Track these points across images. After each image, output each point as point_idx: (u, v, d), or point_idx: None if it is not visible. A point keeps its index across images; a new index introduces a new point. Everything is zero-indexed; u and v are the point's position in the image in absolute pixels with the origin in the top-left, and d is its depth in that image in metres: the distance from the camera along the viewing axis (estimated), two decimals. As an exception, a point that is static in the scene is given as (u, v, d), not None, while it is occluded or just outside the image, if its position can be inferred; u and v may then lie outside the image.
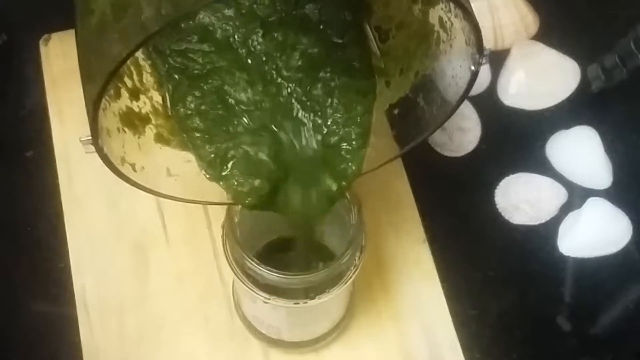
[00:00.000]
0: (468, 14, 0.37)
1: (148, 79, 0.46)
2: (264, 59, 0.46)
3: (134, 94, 0.44)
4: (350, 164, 0.45)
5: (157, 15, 0.32)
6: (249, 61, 0.46)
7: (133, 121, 0.44)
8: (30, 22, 0.66)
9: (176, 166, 0.46)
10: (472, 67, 0.41)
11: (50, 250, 0.57)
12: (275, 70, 0.46)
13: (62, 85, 0.62)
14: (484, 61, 0.40)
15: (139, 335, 0.54)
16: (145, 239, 0.57)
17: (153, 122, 0.45)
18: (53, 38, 0.64)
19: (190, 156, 0.46)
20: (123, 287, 0.55)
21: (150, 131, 0.45)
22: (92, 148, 0.38)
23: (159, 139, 0.46)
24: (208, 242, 0.57)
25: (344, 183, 0.44)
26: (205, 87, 0.45)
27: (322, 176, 0.45)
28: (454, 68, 0.43)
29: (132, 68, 0.44)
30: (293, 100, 0.46)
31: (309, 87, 0.46)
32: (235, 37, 0.46)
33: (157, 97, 0.46)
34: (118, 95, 0.43)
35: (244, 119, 0.45)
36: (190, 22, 0.45)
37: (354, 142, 0.45)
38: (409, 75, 0.47)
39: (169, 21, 0.32)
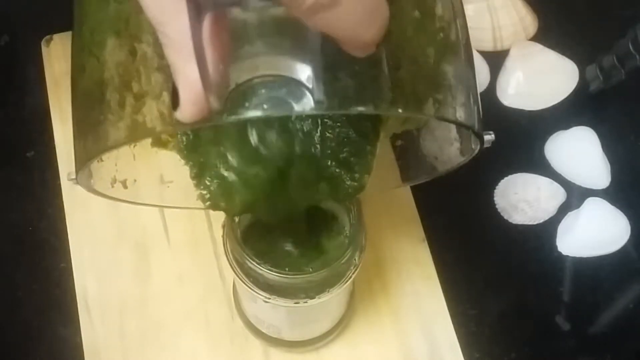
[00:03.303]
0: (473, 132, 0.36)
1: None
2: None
3: (137, 97, 0.43)
4: (352, 182, 0.43)
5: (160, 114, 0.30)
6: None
7: None
8: (32, 23, 0.66)
9: (170, 171, 0.45)
10: (472, 146, 0.40)
11: (52, 250, 0.57)
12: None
13: (64, 85, 0.62)
14: (487, 145, 0.39)
15: (140, 334, 0.54)
16: (146, 239, 0.57)
17: None
18: (55, 39, 0.64)
19: None
20: (124, 287, 0.55)
21: None
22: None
23: (156, 142, 0.44)
24: (209, 242, 0.57)
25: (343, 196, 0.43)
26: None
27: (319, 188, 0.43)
28: (459, 131, 0.42)
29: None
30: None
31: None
32: None
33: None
34: None
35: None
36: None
37: (357, 168, 0.42)
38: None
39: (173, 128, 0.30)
